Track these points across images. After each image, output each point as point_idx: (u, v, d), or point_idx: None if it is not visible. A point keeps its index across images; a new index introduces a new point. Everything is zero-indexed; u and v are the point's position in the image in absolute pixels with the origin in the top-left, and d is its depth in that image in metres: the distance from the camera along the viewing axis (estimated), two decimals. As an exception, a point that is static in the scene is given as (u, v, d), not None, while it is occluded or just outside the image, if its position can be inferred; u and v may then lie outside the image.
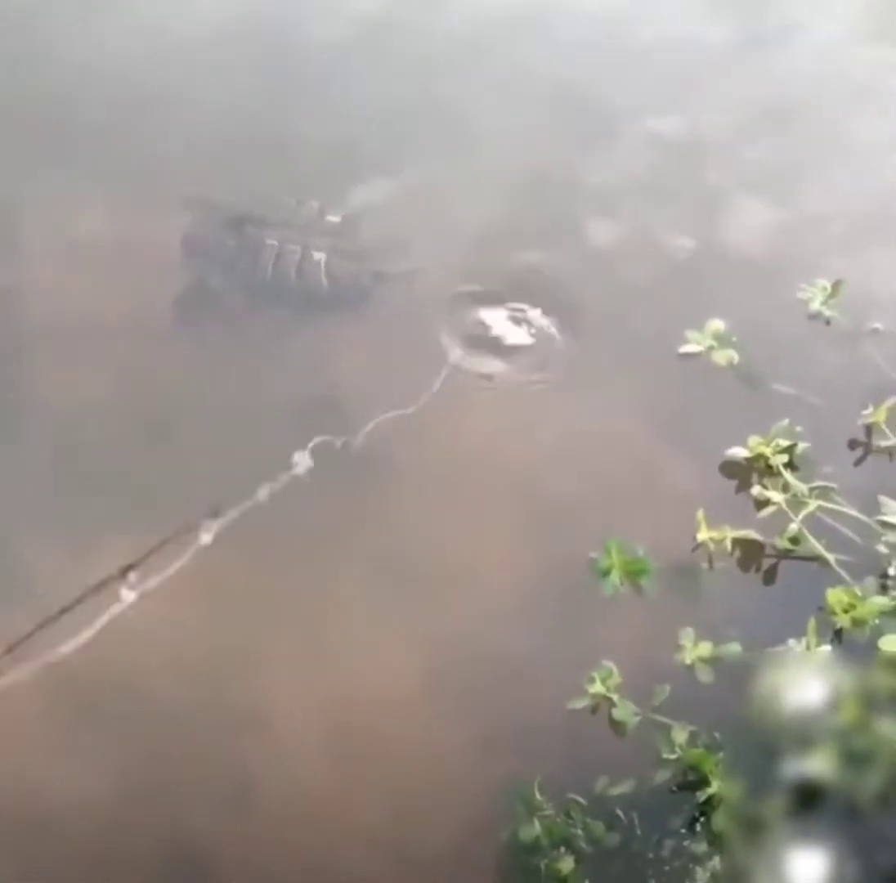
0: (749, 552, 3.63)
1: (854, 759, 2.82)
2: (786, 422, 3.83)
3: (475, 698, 3.45)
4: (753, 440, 3.81)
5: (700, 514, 3.59)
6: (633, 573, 3.57)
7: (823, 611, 3.35)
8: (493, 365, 4.19)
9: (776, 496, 3.65)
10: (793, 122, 4.87)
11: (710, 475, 3.87)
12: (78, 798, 3.27)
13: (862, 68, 5.08)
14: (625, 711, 3.32)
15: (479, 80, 4.97)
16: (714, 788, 3.08)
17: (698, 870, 3.10)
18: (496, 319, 4.26)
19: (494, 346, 4.25)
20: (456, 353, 4.13)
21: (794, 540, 3.59)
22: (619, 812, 3.24)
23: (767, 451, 3.78)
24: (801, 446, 3.79)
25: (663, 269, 4.46)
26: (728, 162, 4.75)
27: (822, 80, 5.04)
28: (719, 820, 3.03)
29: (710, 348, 4.09)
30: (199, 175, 4.60)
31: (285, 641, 3.54)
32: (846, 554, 3.55)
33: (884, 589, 3.42)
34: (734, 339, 4.09)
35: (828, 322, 4.18)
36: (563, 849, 3.21)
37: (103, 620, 3.37)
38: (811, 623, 3.28)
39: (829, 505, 3.64)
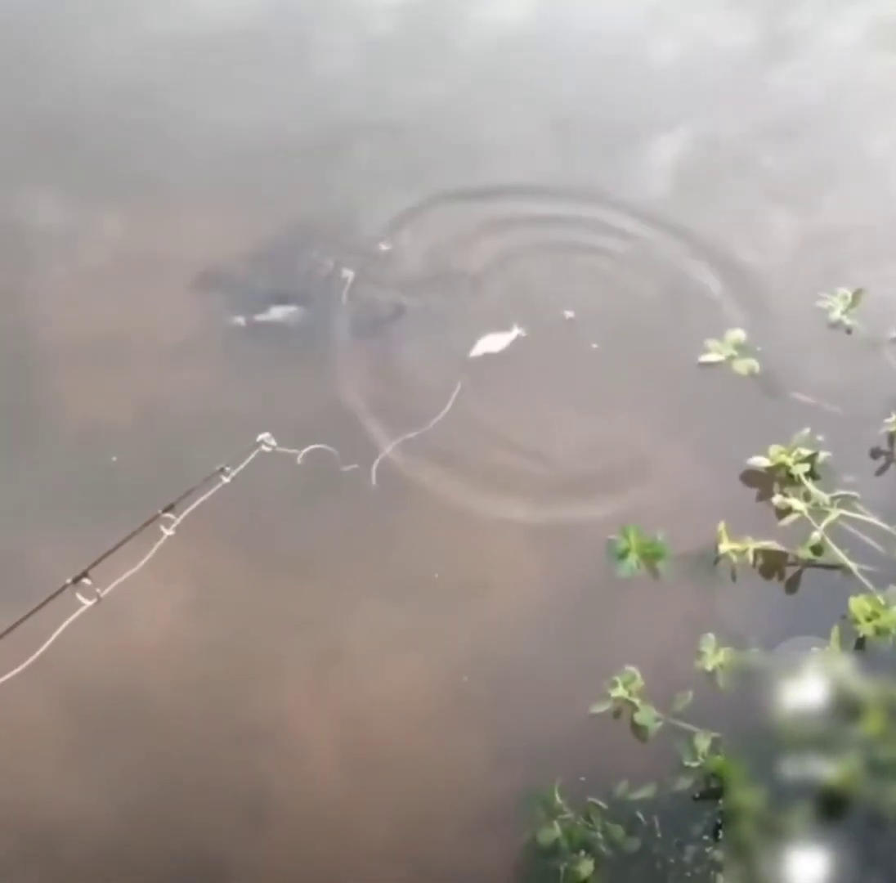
0: (771, 561, 3.63)
1: (878, 768, 2.85)
2: (807, 431, 3.83)
3: (492, 706, 3.46)
4: (775, 449, 3.82)
5: (721, 526, 3.59)
6: (650, 556, 3.61)
7: (846, 619, 3.36)
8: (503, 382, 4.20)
9: (798, 505, 3.65)
10: (810, 132, 4.87)
11: (731, 484, 3.87)
12: (91, 810, 3.29)
13: (877, 77, 5.08)
14: (647, 715, 3.34)
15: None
16: (736, 795, 3.09)
17: (720, 877, 3.11)
18: (503, 340, 4.25)
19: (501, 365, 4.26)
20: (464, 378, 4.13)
21: (817, 549, 3.60)
22: (640, 817, 3.25)
23: (789, 460, 3.79)
24: (823, 455, 3.80)
25: (683, 279, 4.47)
26: (746, 173, 4.75)
27: (840, 90, 5.04)
28: (741, 828, 3.04)
29: (731, 358, 4.10)
30: (225, 194, 4.62)
31: (299, 652, 3.55)
32: (868, 563, 3.56)
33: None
34: (759, 349, 4.10)
35: (849, 331, 4.18)
36: (582, 852, 3.22)
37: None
38: (834, 631, 3.29)
39: (852, 514, 3.65)
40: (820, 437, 3.84)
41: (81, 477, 3.86)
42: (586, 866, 3.20)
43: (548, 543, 3.75)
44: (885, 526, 3.62)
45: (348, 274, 4.41)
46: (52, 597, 2.69)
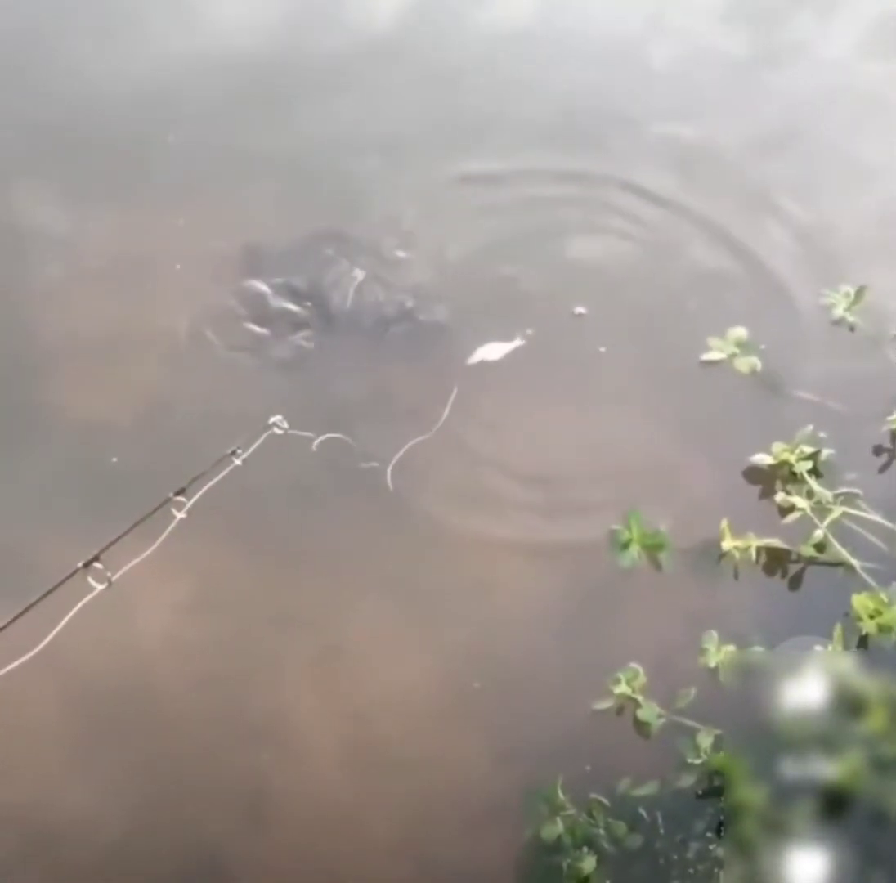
0: (774, 559, 3.64)
1: (881, 766, 2.85)
2: (810, 428, 3.83)
3: (494, 702, 3.47)
4: (778, 447, 3.82)
5: (724, 523, 3.60)
6: (652, 547, 3.61)
7: (849, 617, 3.37)
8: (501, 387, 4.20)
9: (801, 503, 3.66)
10: (805, 136, 4.87)
11: (733, 482, 3.87)
12: (93, 809, 3.29)
13: (870, 83, 5.07)
14: (649, 712, 3.34)
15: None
16: (738, 793, 3.09)
17: (722, 875, 3.11)
18: (504, 349, 4.25)
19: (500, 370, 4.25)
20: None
21: (820, 547, 3.60)
22: (643, 814, 3.25)
23: (791, 457, 3.79)
24: (826, 453, 3.80)
25: (685, 279, 4.47)
26: (744, 174, 4.75)
27: (834, 95, 5.03)
28: (743, 825, 3.04)
29: (733, 356, 4.10)
30: (226, 196, 4.62)
31: (301, 650, 3.56)
32: (871, 560, 3.56)
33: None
34: (762, 347, 4.10)
35: (851, 328, 4.18)
36: (585, 849, 3.23)
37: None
38: (837, 629, 3.29)
39: (854, 511, 3.65)
40: (823, 435, 3.84)
41: (84, 475, 3.86)
42: (589, 863, 3.21)
43: (550, 541, 3.75)
44: (887, 523, 3.63)
45: (359, 274, 4.41)
46: (63, 580, 2.68)
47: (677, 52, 5.12)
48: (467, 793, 3.33)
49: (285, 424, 3.38)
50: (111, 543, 2.75)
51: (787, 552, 3.63)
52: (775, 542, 3.63)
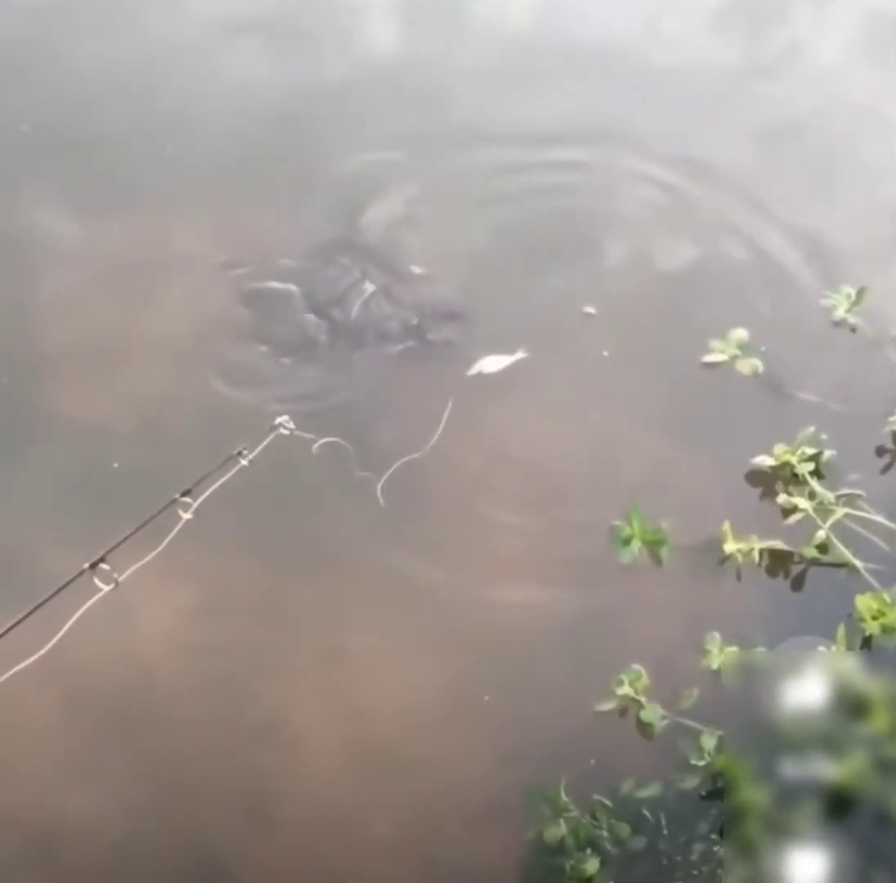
0: (776, 560, 3.64)
1: (885, 767, 2.85)
2: (811, 430, 3.83)
3: (498, 704, 3.47)
4: (779, 448, 3.82)
5: (726, 526, 3.60)
6: (653, 543, 3.61)
7: (852, 618, 3.36)
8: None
9: (803, 504, 3.66)
10: (801, 142, 4.88)
11: (735, 483, 3.87)
12: (97, 810, 3.29)
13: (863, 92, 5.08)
14: (652, 713, 3.33)
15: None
16: (741, 794, 3.09)
17: (727, 875, 3.10)
18: (504, 362, 4.24)
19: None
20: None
21: (822, 548, 3.60)
22: (647, 815, 3.25)
23: (793, 459, 3.79)
24: (827, 454, 3.80)
25: (686, 282, 4.47)
26: (741, 181, 4.75)
27: (829, 102, 5.03)
28: (746, 826, 3.03)
29: (734, 357, 4.10)
30: (235, 201, 4.61)
31: (303, 651, 3.56)
32: (874, 561, 3.56)
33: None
34: (763, 349, 4.10)
35: (853, 329, 4.18)
36: (588, 850, 3.22)
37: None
38: (841, 630, 3.29)
39: (857, 512, 3.65)
40: (824, 436, 3.84)
41: (87, 479, 3.86)
42: (592, 864, 3.20)
43: (552, 542, 3.75)
44: (890, 524, 3.63)
45: (369, 287, 4.39)
46: (70, 581, 2.67)
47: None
48: (469, 794, 3.33)
49: (291, 425, 3.37)
50: (117, 544, 2.75)
51: (789, 554, 3.64)
52: (778, 544, 3.63)
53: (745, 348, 4.10)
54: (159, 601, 3.55)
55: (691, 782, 3.25)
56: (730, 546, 3.59)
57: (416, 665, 3.52)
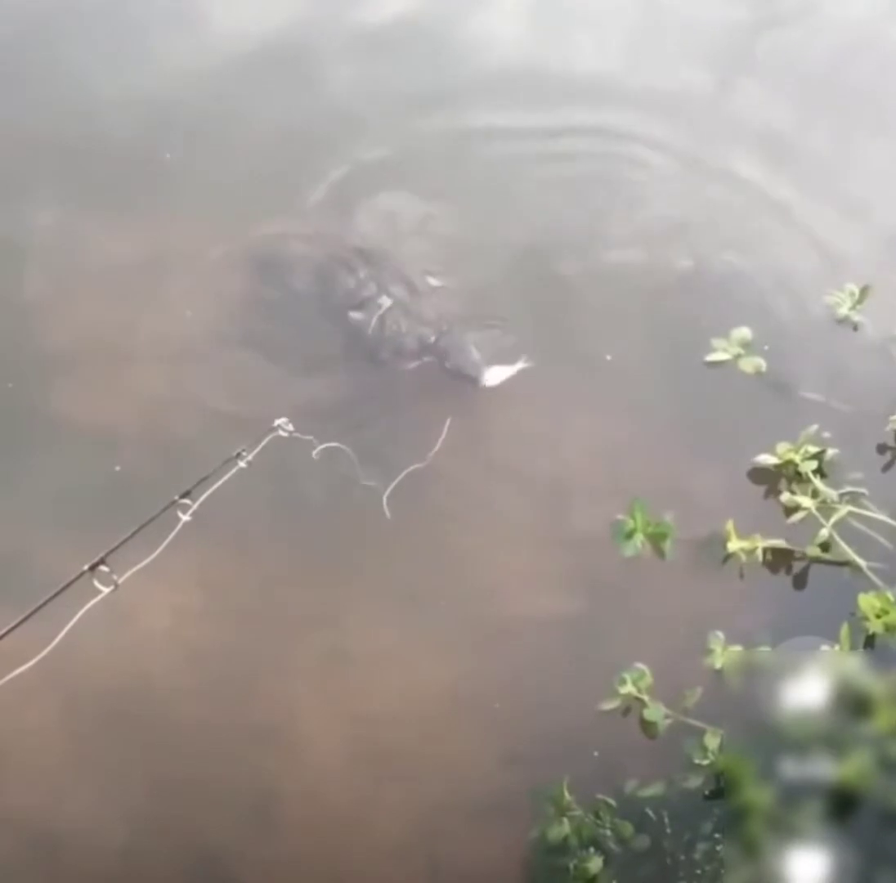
0: (779, 558, 3.64)
1: (888, 766, 2.84)
2: (814, 428, 3.83)
3: (501, 703, 3.48)
4: (782, 447, 3.81)
5: (730, 524, 3.60)
6: (656, 536, 3.60)
7: (855, 616, 3.35)
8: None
9: (806, 502, 3.65)
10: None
11: (738, 482, 3.87)
12: (98, 812, 3.30)
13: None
14: (655, 712, 3.33)
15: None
16: (745, 794, 3.09)
17: (729, 875, 3.10)
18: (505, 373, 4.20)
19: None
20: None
21: (825, 546, 3.60)
22: (650, 814, 3.25)
23: (796, 457, 3.79)
24: (830, 452, 3.80)
25: (690, 276, 4.47)
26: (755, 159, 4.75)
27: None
28: (750, 826, 3.03)
29: (738, 356, 4.10)
30: (240, 200, 4.60)
31: (307, 652, 3.57)
32: (877, 560, 3.56)
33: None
34: (766, 348, 4.10)
35: (855, 328, 4.18)
36: (591, 849, 3.23)
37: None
38: (844, 629, 3.28)
39: (860, 511, 3.65)
40: (827, 435, 3.83)
41: (88, 481, 3.87)
42: (595, 863, 3.21)
43: (555, 542, 3.76)
44: (893, 522, 3.62)
45: (386, 301, 4.36)
46: (70, 583, 2.67)
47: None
48: (473, 793, 3.33)
49: (290, 427, 3.36)
50: (117, 547, 2.75)
51: (792, 552, 3.63)
52: (780, 542, 3.63)
53: (748, 347, 4.10)
54: (161, 603, 3.56)
55: (694, 782, 3.26)
56: (733, 545, 3.58)
57: (418, 666, 3.53)
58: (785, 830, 2.86)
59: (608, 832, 3.24)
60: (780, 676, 3.03)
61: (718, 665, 3.36)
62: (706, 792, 3.25)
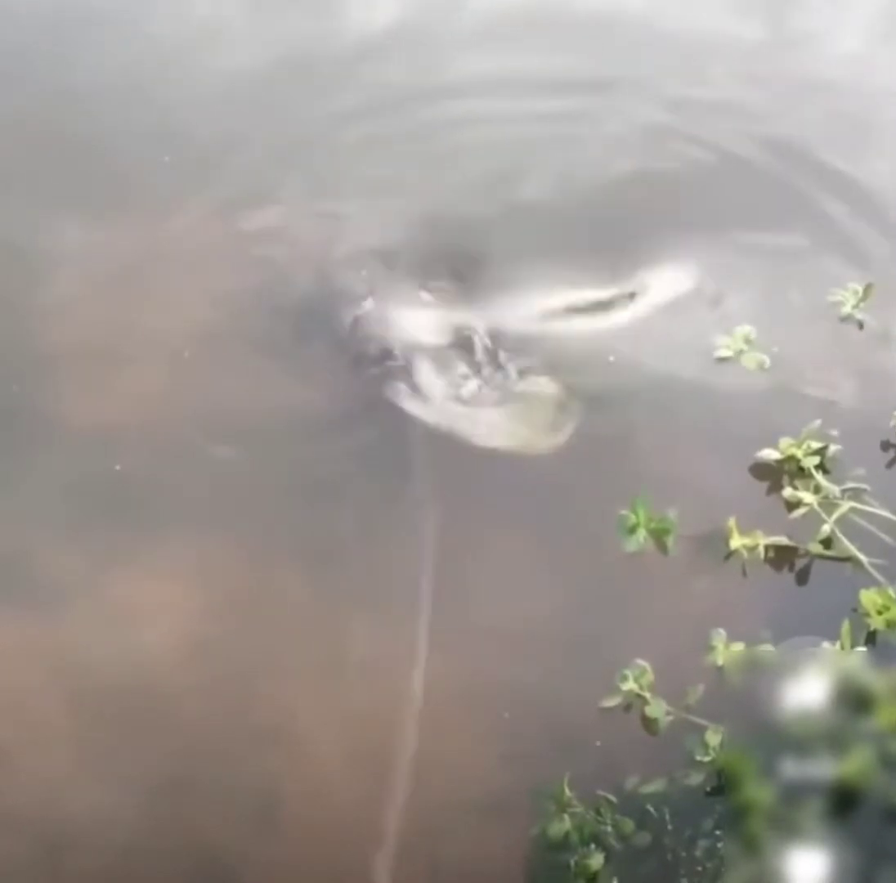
0: (781, 554, 3.63)
1: (890, 763, 2.84)
2: (817, 423, 3.82)
3: (502, 700, 3.46)
4: (785, 442, 3.81)
5: (732, 522, 3.59)
6: (658, 532, 3.59)
7: (857, 613, 3.35)
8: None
9: (808, 498, 3.65)
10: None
11: (740, 477, 3.86)
12: (101, 813, 3.28)
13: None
14: (657, 709, 3.33)
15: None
16: (748, 791, 3.08)
17: (732, 872, 3.10)
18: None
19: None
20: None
21: (827, 542, 3.59)
22: (652, 810, 3.25)
23: (799, 452, 3.78)
24: (833, 448, 3.79)
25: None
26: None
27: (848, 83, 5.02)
28: (751, 824, 3.03)
29: (740, 352, 4.10)
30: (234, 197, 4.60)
31: (310, 651, 3.56)
32: (879, 556, 3.55)
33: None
34: (775, 349, 4.10)
35: (860, 326, 4.17)
36: (592, 846, 3.22)
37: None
38: (845, 625, 3.28)
39: (862, 506, 3.64)
40: (835, 433, 3.83)
41: (89, 482, 3.86)
42: (596, 860, 3.20)
43: (556, 537, 3.76)
44: (895, 518, 3.61)
45: (368, 306, 4.34)
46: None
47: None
48: (474, 791, 3.32)
49: None
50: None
51: (794, 548, 3.63)
52: (782, 539, 3.63)
53: (751, 343, 4.10)
54: (165, 600, 3.55)
55: (696, 779, 3.25)
56: (735, 542, 3.58)
57: (419, 664, 3.51)
58: (786, 827, 2.87)
59: (609, 829, 3.23)
60: (782, 672, 3.03)
61: (720, 662, 3.36)
62: (707, 789, 3.25)
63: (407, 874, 3.22)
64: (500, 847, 3.25)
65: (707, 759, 3.24)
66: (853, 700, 2.95)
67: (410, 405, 4.08)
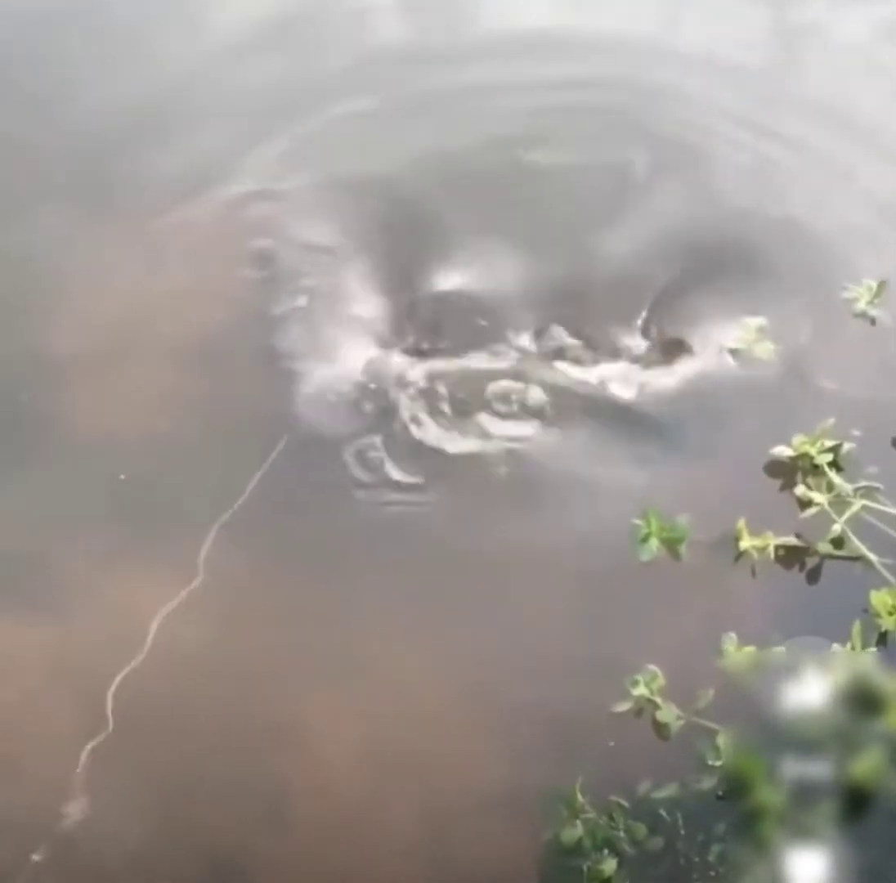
0: (792, 554, 3.61)
1: (902, 764, 2.83)
2: (831, 421, 3.80)
3: (513, 704, 3.46)
4: (798, 439, 3.79)
5: (741, 523, 3.58)
6: (671, 540, 3.57)
7: (868, 613, 3.33)
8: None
9: (819, 497, 3.62)
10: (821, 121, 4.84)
11: (754, 474, 3.84)
12: (111, 814, 3.30)
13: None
14: (668, 714, 3.32)
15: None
16: (759, 795, 3.07)
17: (744, 876, 3.09)
18: None
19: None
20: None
21: (837, 542, 3.57)
22: (664, 815, 3.24)
23: (812, 450, 3.76)
24: (847, 446, 3.77)
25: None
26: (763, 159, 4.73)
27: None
28: (764, 827, 3.02)
29: (753, 344, 4.11)
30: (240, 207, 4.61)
31: (320, 653, 3.56)
32: (890, 555, 3.52)
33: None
34: (785, 339, 4.12)
35: (873, 322, 4.14)
36: (605, 851, 3.22)
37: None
38: (856, 626, 3.26)
39: (874, 505, 3.61)
40: (855, 433, 3.81)
41: (95, 489, 3.88)
42: (609, 865, 3.20)
43: (565, 542, 3.74)
44: (907, 517, 3.59)
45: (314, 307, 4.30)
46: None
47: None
48: (486, 795, 3.32)
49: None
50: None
51: (805, 548, 3.61)
52: (792, 540, 3.61)
53: (764, 335, 4.11)
54: (172, 604, 3.58)
55: (708, 783, 3.24)
56: (744, 543, 3.57)
57: (430, 666, 3.52)
58: (798, 830, 2.86)
59: (622, 834, 3.23)
60: (793, 675, 3.03)
61: (731, 665, 3.34)
62: (719, 793, 3.23)
63: (417, 876, 3.23)
64: (510, 851, 3.25)
65: (719, 763, 3.23)
66: (864, 702, 2.94)
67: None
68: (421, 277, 4.38)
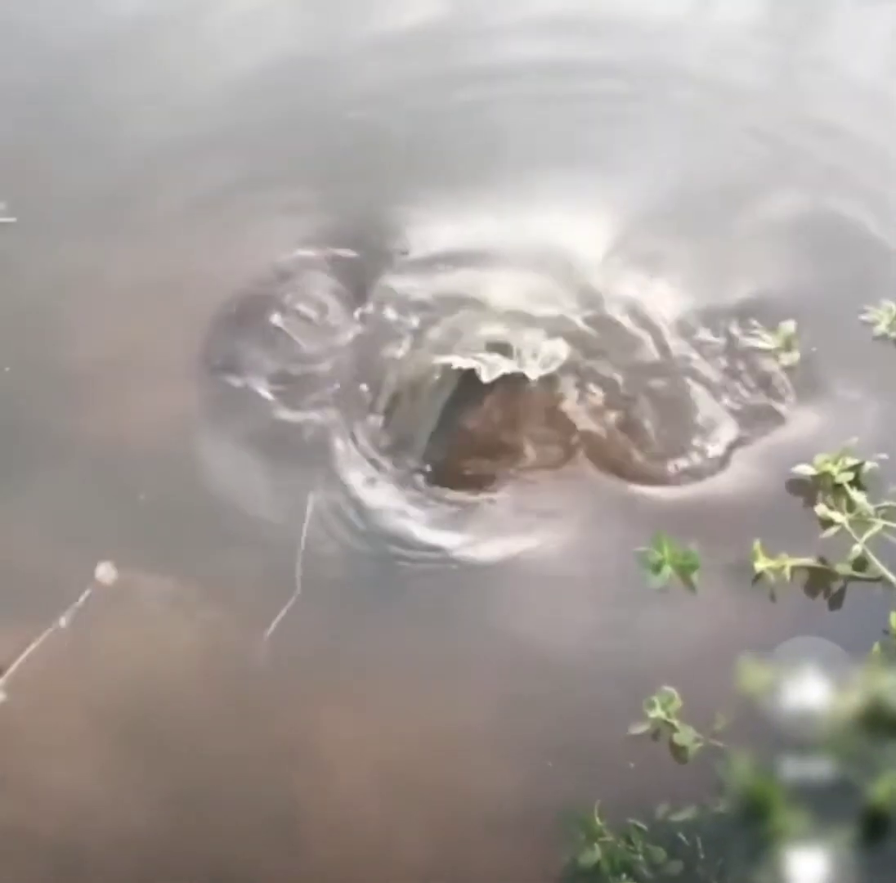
0: (810, 576, 3.58)
1: (920, 786, 2.80)
2: (854, 440, 3.77)
3: (530, 727, 3.45)
4: (820, 458, 3.77)
5: (757, 544, 3.55)
6: (684, 568, 3.53)
7: (888, 634, 3.31)
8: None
9: (839, 517, 3.59)
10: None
11: (777, 492, 3.83)
12: (120, 831, 3.30)
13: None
14: (686, 736, 3.30)
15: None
16: (777, 819, 3.05)
17: (758, 895, 3.07)
18: None
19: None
20: None
21: (858, 563, 3.53)
22: (683, 838, 3.22)
23: (834, 469, 3.73)
24: (869, 465, 3.73)
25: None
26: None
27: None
28: (781, 850, 3.00)
29: (778, 350, 4.12)
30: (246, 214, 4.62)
31: (333, 670, 3.56)
32: (913, 577, 3.50)
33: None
34: (814, 349, 4.12)
35: (896, 343, 4.13)
36: (624, 875, 3.20)
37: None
38: (875, 648, 3.23)
39: (895, 524, 3.58)
40: (884, 455, 3.78)
41: (104, 500, 3.89)
42: (628, 890, 3.19)
43: (581, 560, 3.74)
44: (932, 538, 3.56)
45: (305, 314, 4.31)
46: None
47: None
48: (503, 818, 3.31)
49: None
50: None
51: (823, 570, 3.58)
52: (809, 560, 3.58)
53: (791, 341, 4.11)
54: (187, 618, 3.59)
55: (726, 806, 3.22)
56: (760, 564, 3.54)
57: (445, 688, 3.51)
58: (815, 852, 2.84)
59: (640, 858, 3.21)
60: (810, 696, 3.00)
61: (748, 687, 3.32)
62: (738, 816, 3.21)
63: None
64: (528, 875, 3.24)
65: (736, 786, 3.20)
66: (884, 723, 2.92)
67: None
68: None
